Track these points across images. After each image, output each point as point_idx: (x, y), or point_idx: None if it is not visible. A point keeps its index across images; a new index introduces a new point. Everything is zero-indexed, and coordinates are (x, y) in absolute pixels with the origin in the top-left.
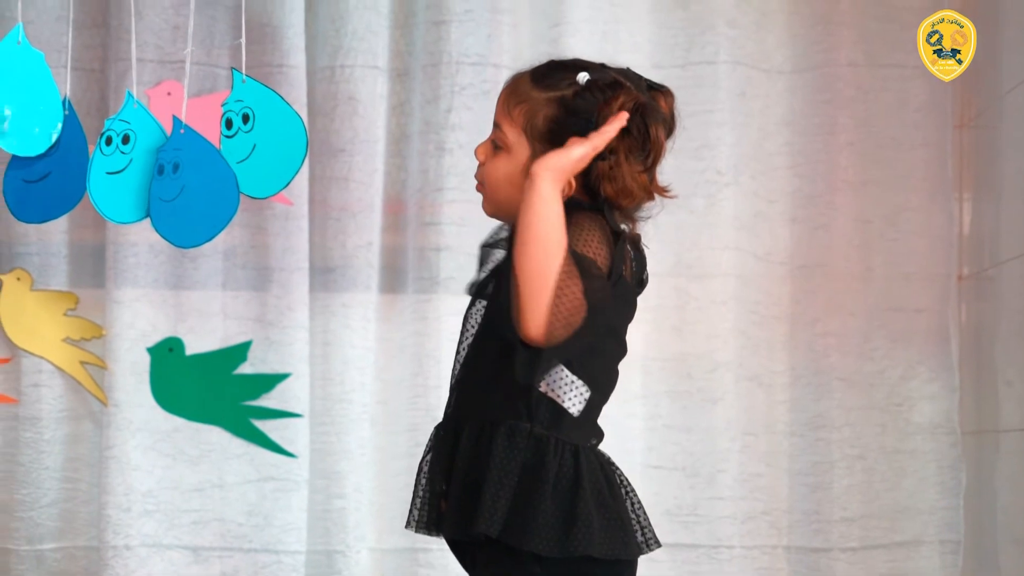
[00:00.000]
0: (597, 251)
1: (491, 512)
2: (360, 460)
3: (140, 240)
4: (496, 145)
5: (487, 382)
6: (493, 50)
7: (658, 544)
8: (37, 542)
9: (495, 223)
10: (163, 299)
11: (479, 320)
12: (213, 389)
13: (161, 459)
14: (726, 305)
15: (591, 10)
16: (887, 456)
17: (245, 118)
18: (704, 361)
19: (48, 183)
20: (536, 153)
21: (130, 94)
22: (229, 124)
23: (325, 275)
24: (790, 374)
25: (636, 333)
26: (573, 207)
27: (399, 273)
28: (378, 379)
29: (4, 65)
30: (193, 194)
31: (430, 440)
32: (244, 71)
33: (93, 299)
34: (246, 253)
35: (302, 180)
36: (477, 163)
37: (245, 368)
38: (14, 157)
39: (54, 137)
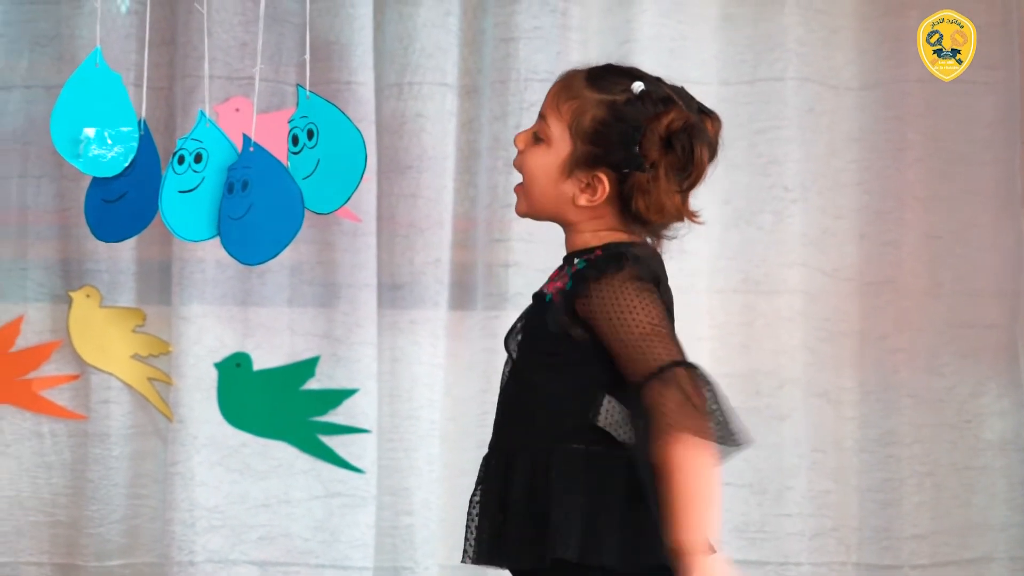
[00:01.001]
0: (651, 314)
1: (565, 536)
2: (428, 476)
3: (207, 256)
4: (537, 137)
5: (533, 410)
6: (561, 67)
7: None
8: (105, 558)
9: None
10: (230, 315)
11: (517, 348)
12: (280, 405)
13: (228, 475)
14: (794, 321)
15: (659, 27)
16: (957, 473)
17: (310, 134)
18: (772, 378)
19: (125, 202)
20: (576, 151)
21: (202, 113)
22: (295, 140)
23: (393, 292)
24: (859, 391)
25: (703, 349)
26: (613, 258)
27: (468, 290)
28: (447, 396)
29: (83, 88)
30: (261, 211)
31: (480, 472)
32: (310, 88)
33: (160, 316)
34: (313, 269)
35: (370, 196)
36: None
37: (312, 384)
38: (94, 177)
39: (130, 158)
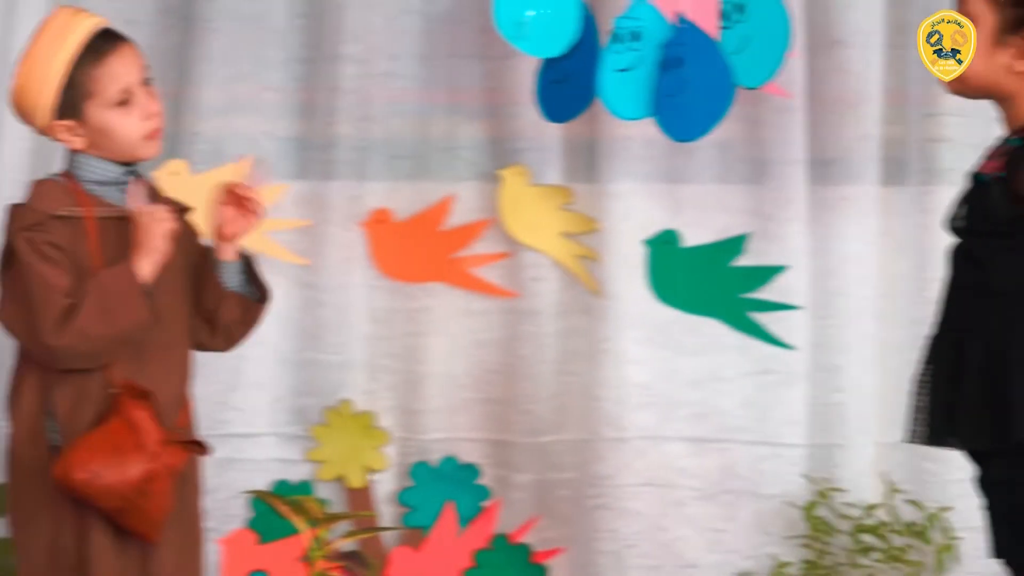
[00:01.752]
0: None
1: None
2: (860, 354)
3: (634, 134)
4: None
5: (989, 292)
6: None
7: None
8: (537, 435)
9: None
10: (658, 192)
11: (964, 231)
12: (709, 281)
13: (657, 351)
14: None
15: None
16: None
17: (738, 9)
18: None
19: (569, 83)
20: (1003, 17)
21: None
22: (725, 16)
23: (823, 168)
24: None
25: None
26: None
27: (900, 165)
28: (880, 273)
29: None
30: (693, 88)
31: (929, 351)
32: None
33: (588, 193)
34: (742, 146)
35: (798, 72)
36: None
37: (741, 261)
38: (545, 60)
39: (572, 38)
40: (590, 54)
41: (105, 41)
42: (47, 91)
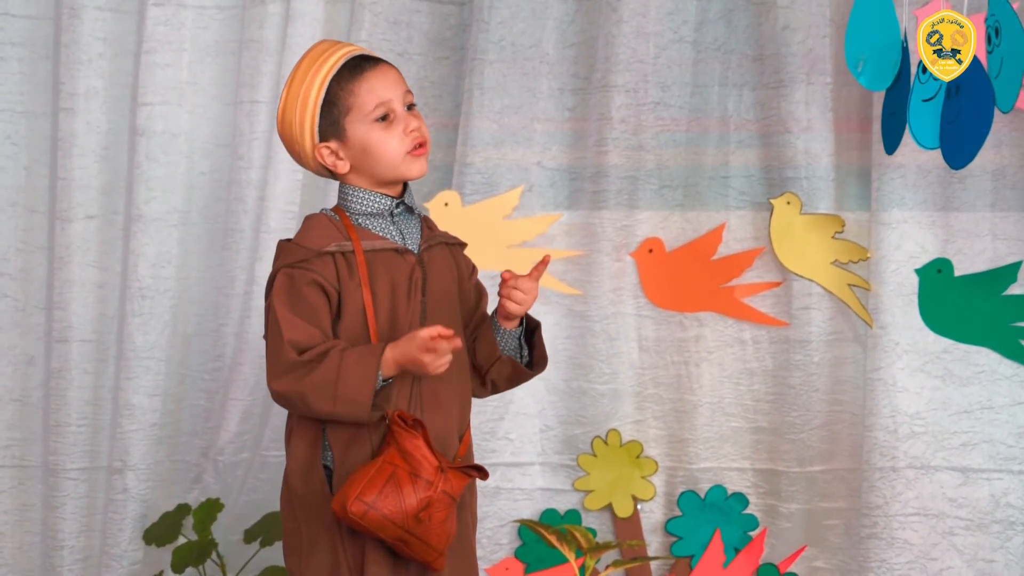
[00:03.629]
0: None
1: None
2: None
3: (907, 162)
4: None
5: None
6: None
7: None
8: (806, 464)
9: None
10: (930, 221)
11: None
12: (982, 310)
13: (929, 381)
14: None
15: None
16: None
17: (996, 32)
18: None
19: (896, 115)
20: None
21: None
22: (988, 40)
23: None
24: None
25: None
26: None
27: None
28: None
29: (866, 6)
30: (966, 114)
31: None
32: None
33: (859, 222)
34: (1015, 173)
35: None
36: None
37: (1014, 289)
38: (886, 93)
39: (895, 72)
40: (905, 86)
41: (364, 61)
42: (308, 110)
